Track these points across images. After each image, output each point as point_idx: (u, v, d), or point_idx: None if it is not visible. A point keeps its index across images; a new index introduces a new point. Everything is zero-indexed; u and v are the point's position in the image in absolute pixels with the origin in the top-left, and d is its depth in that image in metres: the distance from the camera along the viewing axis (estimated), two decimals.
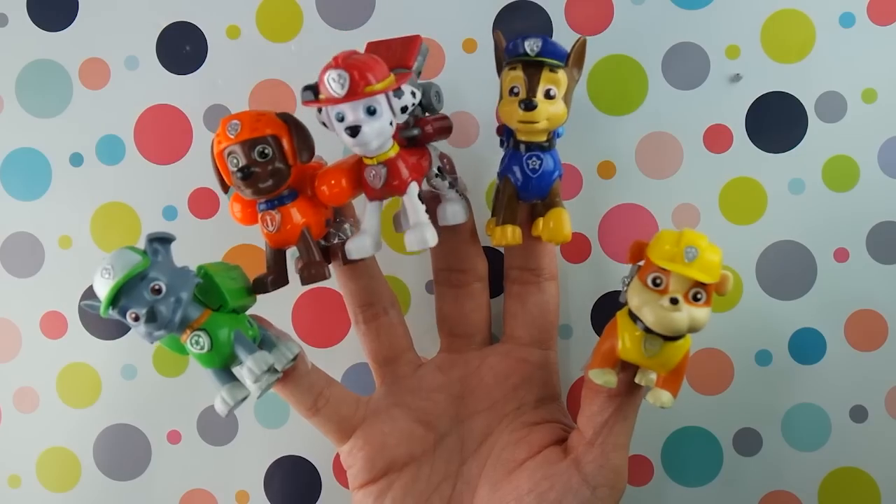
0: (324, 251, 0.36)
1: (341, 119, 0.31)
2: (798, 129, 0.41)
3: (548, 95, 0.33)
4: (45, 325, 0.43)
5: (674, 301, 0.29)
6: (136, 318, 0.30)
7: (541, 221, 0.35)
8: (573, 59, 0.33)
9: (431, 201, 0.36)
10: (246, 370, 0.31)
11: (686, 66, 0.41)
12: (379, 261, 0.42)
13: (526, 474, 0.34)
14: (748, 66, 0.41)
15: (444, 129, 0.36)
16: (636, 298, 0.30)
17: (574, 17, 0.41)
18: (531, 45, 0.32)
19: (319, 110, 0.32)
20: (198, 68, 0.42)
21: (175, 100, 0.43)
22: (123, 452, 0.43)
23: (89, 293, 0.42)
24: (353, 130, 0.31)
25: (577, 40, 0.33)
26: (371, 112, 0.31)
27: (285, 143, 0.32)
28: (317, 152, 0.35)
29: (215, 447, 0.43)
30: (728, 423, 0.41)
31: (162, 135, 0.43)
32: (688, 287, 0.29)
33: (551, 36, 0.41)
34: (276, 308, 0.42)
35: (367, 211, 0.34)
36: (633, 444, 0.41)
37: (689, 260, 0.29)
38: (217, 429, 0.43)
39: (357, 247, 0.34)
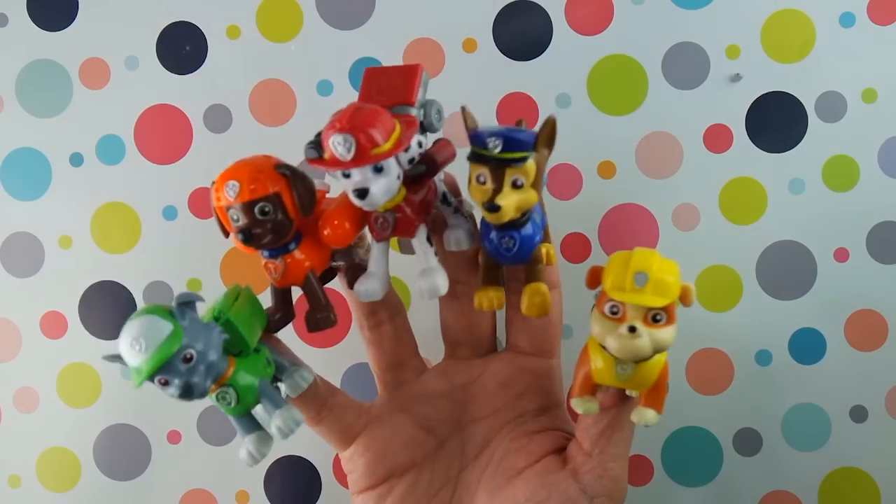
0: (331, 270, 0.35)
1: (347, 176, 0.30)
2: (798, 128, 0.41)
3: (515, 185, 0.31)
4: (45, 325, 0.43)
5: (632, 329, 0.29)
6: (166, 383, 0.29)
7: (523, 300, 0.33)
8: (542, 141, 0.31)
9: (438, 223, 0.35)
10: (275, 428, 0.31)
11: (686, 66, 0.41)
12: None
13: (524, 483, 0.34)
14: (748, 66, 0.41)
15: (449, 156, 0.34)
16: (597, 327, 0.30)
17: (574, 17, 0.41)
18: (493, 144, 0.30)
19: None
20: (198, 68, 0.42)
21: (175, 100, 0.43)
22: (123, 452, 0.43)
23: (95, 290, 0.42)
24: (361, 193, 0.30)
25: (547, 120, 0.31)
26: (378, 170, 0.30)
27: (285, 198, 0.31)
28: (317, 180, 0.34)
29: (215, 447, 0.43)
30: (728, 423, 0.41)
31: (162, 135, 0.43)
32: (644, 312, 0.29)
33: (551, 37, 0.41)
34: None
35: (373, 253, 0.33)
36: (633, 445, 0.41)
37: (640, 286, 0.28)
38: (217, 429, 0.43)
39: (366, 290, 0.33)
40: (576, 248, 0.41)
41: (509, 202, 0.30)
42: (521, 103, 0.41)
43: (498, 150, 0.30)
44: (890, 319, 0.40)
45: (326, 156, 0.30)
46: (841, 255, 0.40)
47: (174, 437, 0.43)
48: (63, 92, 0.43)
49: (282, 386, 0.33)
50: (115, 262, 0.43)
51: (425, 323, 0.39)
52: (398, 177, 0.31)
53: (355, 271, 0.34)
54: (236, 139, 0.42)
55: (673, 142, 0.41)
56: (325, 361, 0.39)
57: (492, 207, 0.30)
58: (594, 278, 0.30)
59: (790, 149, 0.41)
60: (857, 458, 0.41)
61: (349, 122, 0.29)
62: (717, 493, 0.41)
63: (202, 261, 0.42)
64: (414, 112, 0.33)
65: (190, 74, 0.42)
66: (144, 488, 0.43)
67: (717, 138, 0.41)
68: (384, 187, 0.30)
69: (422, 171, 0.32)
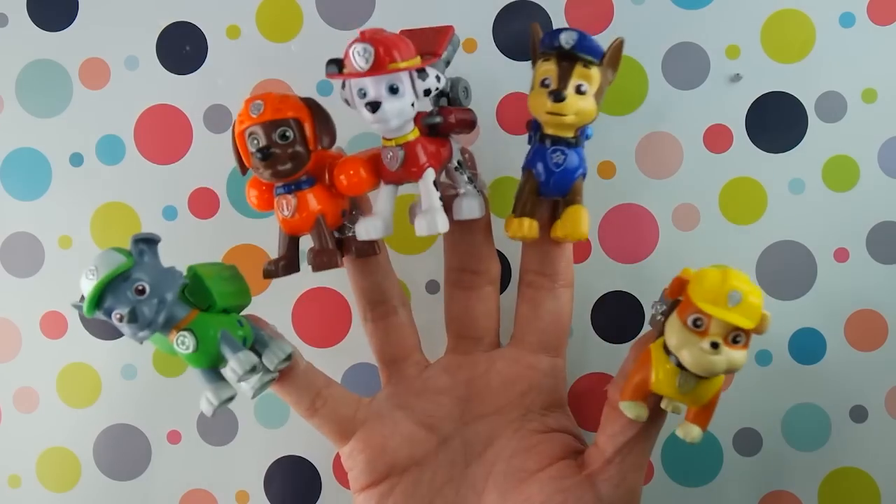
0: (337, 243, 0.36)
1: (363, 95, 0.31)
2: (798, 128, 0.41)
3: (579, 91, 0.32)
4: (46, 325, 0.43)
5: (714, 345, 0.29)
6: (121, 319, 0.30)
7: (558, 225, 0.34)
8: (608, 59, 0.33)
9: (449, 196, 0.35)
10: (229, 369, 0.31)
11: (686, 66, 0.41)
12: None
13: (538, 486, 0.34)
14: (748, 66, 0.41)
15: (467, 122, 0.35)
16: (674, 338, 0.30)
17: (574, 17, 0.41)
18: (567, 38, 0.32)
19: (343, 86, 0.32)
20: (198, 68, 0.42)
21: (175, 100, 0.43)
22: (123, 452, 0.43)
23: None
24: (374, 106, 0.31)
25: (614, 41, 0.33)
26: (393, 90, 0.31)
27: (307, 128, 0.32)
28: (337, 142, 0.35)
29: (215, 447, 0.43)
30: (728, 423, 0.41)
31: (162, 135, 0.43)
32: (728, 330, 0.29)
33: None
34: (276, 307, 0.42)
35: (380, 193, 0.34)
36: None
37: (733, 304, 0.29)
38: (217, 429, 0.43)
39: (367, 228, 0.33)
40: (576, 248, 0.41)
41: (573, 99, 0.32)
42: (521, 103, 0.41)
43: (571, 43, 0.32)
44: (890, 319, 0.40)
45: (346, 69, 0.31)
46: (841, 255, 0.40)
47: (174, 437, 0.43)
48: (63, 92, 0.43)
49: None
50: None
51: (425, 323, 0.39)
52: (412, 105, 0.32)
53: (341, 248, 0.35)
54: None
55: (673, 142, 0.41)
56: (325, 361, 0.39)
57: (558, 96, 0.32)
58: (678, 287, 0.30)
59: (790, 149, 0.41)
60: (857, 459, 0.41)
61: (372, 34, 0.31)
62: (717, 493, 0.41)
63: (202, 261, 0.42)
64: (440, 67, 0.33)
65: (190, 74, 0.42)
66: (144, 488, 0.43)
67: (717, 138, 0.41)
68: (397, 108, 0.31)
69: (436, 122, 0.33)
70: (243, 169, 0.33)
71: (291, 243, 0.34)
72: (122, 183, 0.43)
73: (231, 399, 0.33)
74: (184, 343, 0.31)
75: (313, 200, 0.33)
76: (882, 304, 0.40)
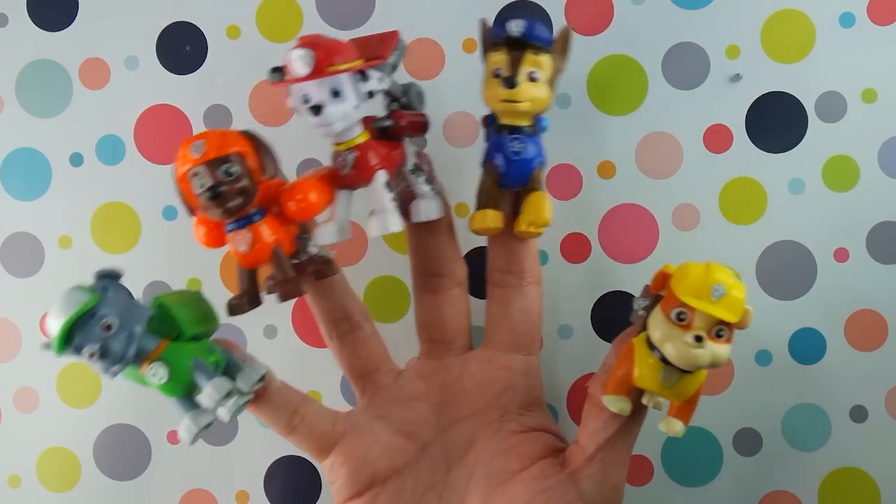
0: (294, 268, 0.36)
1: (306, 100, 0.31)
2: (798, 129, 0.41)
3: (531, 78, 0.32)
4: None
5: (698, 339, 0.29)
6: (92, 356, 0.30)
7: (521, 219, 0.34)
8: (558, 46, 0.33)
9: (406, 200, 0.35)
10: (205, 395, 0.31)
11: (686, 66, 0.41)
12: (379, 260, 0.42)
13: (521, 487, 0.34)
14: (748, 66, 0.41)
15: (418, 125, 0.35)
16: (658, 331, 0.30)
17: (574, 17, 0.41)
18: (515, 26, 0.32)
19: (290, 94, 0.32)
20: (198, 68, 0.42)
21: (175, 100, 0.43)
22: (123, 452, 0.43)
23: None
24: (316, 109, 0.31)
25: (562, 28, 0.33)
26: (335, 94, 0.31)
27: (249, 161, 0.32)
28: (283, 168, 0.35)
29: (215, 447, 0.43)
30: (728, 423, 0.41)
31: (162, 135, 0.43)
32: (712, 324, 0.29)
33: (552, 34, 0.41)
34: (276, 309, 0.42)
35: (335, 199, 0.34)
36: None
37: (716, 298, 0.29)
38: (217, 429, 0.43)
39: (322, 234, 0.33)
40: (576, 248, 0.41)
41: (526, 87, 0.32)
42: None
43: (520, 31, 0.32)
44: (890, 319, 0.40)
45: (287, 76, 0.31)
46: (841, 255, 0.40)
47: (174, 438, 0.43)
48: (63, 92, 0.43)
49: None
50: (114, 262, 0.43)
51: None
52: (355, 107, 0.32)
53: (291, 284, 0.34)
54: None
55: (673, 142, 0.41)
56: (325, 362, 0.39)
57: (510, 82, 0.32)
58: (661, 282, 0.30)
59: (790, 149, 0.41)
60: (857, 459, 0.41)
61: (310, 39, 0.31)
62: (717, 493, 0.41)
63: (202, 261, 0.42)
64: (386, 71, 0.34)
65: (190, 74, 0.42)
66: (144, 488, 0.43)
67: (717, 138, 0.41)
68: (340, 111, 0.31)
69: (387, 126, 0.34)
70: (191, 211, 0.33)
71: (251, 276, 0.34)
72: (122, 183, 0.43)
73: (210, 425, 0.32)
74: (156, 374, 0.31)
75: (267, 231, 0.33)
76: (882, 304, 0.40)
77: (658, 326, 0.30)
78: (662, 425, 0.31)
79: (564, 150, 0.41)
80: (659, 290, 0.31)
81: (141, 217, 0.43)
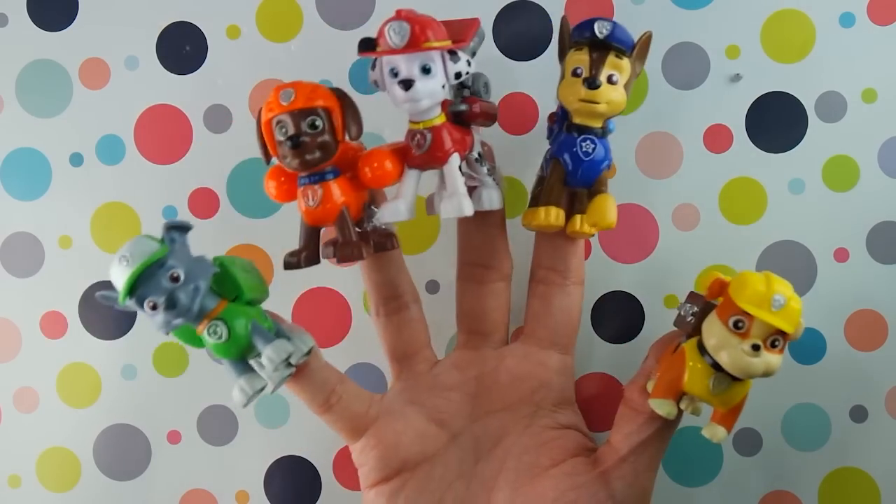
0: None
1: (395, 74, 0.31)
2: (798, 128, 0.41)
3: (610, 80, 0.32)
4: (45, 325, 0.43)
5: (755, 347, 0.29)
6: (154, 307, 0.29)
7: (578, 218, 0.34)
8: (638, 51, 0.33)
9: (468, 188, 0.35)
10: (265, 358, 0.31)
11: (686, 66, 0.41)
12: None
13: (552, 482, 0.34)
14: (748, 66, 0.41)
15: (490, 113, 0.35)
16: (714, 338, 0.30)
17: (574, 17, 0.41)
18: (600, 28, 0.32)
19: (373, 67, 0.32)
20: (198, 68, 0.42)
21: (175, 100, 0.43)
22: (123, 452, 0.43)
23: (95, 290, 0.42)
24: (407, 84, 0.31)
25: (644, 34, 0.33)
26: (426, 70, 0.31)
27: (335, 118, 0.32)
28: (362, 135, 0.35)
29: (215, 447, 0.43)
30: None
31: (162, 135, 0.43)
32: (769, 333, 0.29)
33: (551, 37, 0.41)
34: (276, 306, 0.42)
35: (404, 177, 0.33)
36: None
37: (777, 308, 0.29)
38: (217, 429, 0.43)
39: (391, 211, 0.33)
40: None
41: (605, 89, 0.32)
42: (521, 103, 0.41)
43: (605, 33, 0.32)
44: (890, 319, 0.40)
45: (379, 48, 0.31)
46: (841, 255, 0.40)
47: (174, 437, 0.43)
48: (63, 92, 0.43)
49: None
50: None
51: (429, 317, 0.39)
52: (443, 87, 0.32)
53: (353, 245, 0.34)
54: (236, 139, 0.42)
55: (673, 142, 0.41)
56: (328, 360, 0.39)
57: (593, 83, 0.32)
58: (719, 289, 0.30)
59: (790, 149, 0.41)
60: (857, 458, 0.41)
61: (407, 13, 0.31)
62: (717, 492, 0.41)
63: None
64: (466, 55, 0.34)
65: (190, 74, 0.42)
66: (144, 488, 0.43)
67: (717, 138, 0.41)
68: (429, 88, 0.31)
69: (462, 110, 0.34)
70: (267, 157, 0.33)
71: (313, 235, 0.34)
72: (122, 183, 0.43)
73: (262, 390, 0.32)
74: (216, 332, 0.31)
75: (338, 192, 0.33)
76: (882, 304, 0.40)
77: (714, 334, 0.30)
78: (706, 431, 0.32)
79: None
80: (716, 297, 0.31)
81: (141, 217, 0.43)
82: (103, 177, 0.43)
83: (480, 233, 0.36)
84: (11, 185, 0.43)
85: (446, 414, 0.36)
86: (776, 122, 0.40)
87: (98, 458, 0.43)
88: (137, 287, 0.29)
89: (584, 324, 0.41)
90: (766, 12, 0.40)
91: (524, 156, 0.40)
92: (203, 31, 0.42)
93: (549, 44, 0.41)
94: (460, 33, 0.33)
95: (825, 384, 0.41)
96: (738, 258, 0.41)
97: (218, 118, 0.42)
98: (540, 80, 0.41)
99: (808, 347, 0.41)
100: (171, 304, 0.29)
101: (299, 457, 0.42)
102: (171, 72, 0.43)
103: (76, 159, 0.43)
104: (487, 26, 0.41)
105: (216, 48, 0.42)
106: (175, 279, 0.29)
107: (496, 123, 0.37)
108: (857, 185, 0.40)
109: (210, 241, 0.42)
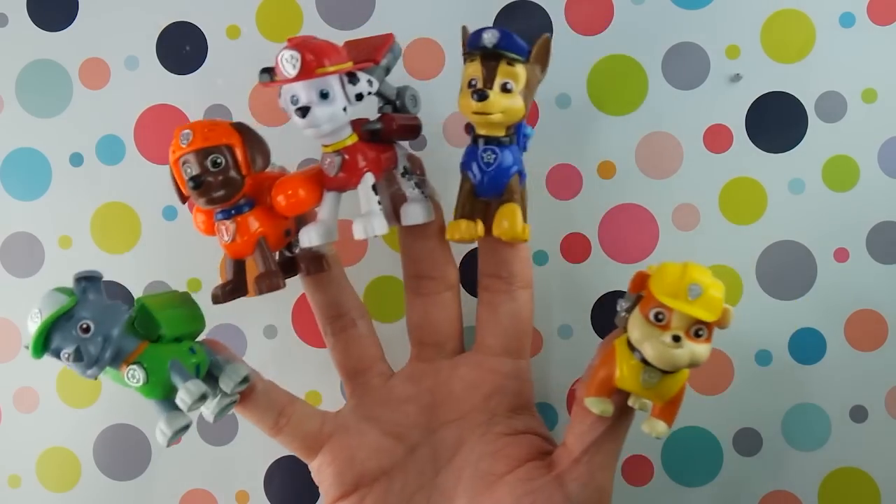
0: (288, 262, 0.36)
1: (296, 101, 0.31)
2: (798, 129, 0.41)
3: (504, 89, 0.32)
4: None
5: (676, 339, 0.29)
6: (69, 358, 0.30)
7: (493, 222, 0.33)
8: (535, 55, 0.33)
9: (398, 203, 0.35)
10: (179, 399, 0.31)
11: (686, 66, 0.41)
12: (379, 260, 0.42)
13: (507, 489, 0.33)
14: (748, 66, 0.41)
15: (410, 129, 0.35)
16: (637, 332, 0.30)
17: (574, 17, 0.41)
18: (489, 38, 0.32)
19: (280, 95, 0.32)
20: (198, 68, 0.42)
21: (175, 100, 0.43)
22: (123, 452, 0.43)
23: None
24: (304, 111, 0.31)
25: (540, 37, 0.33)
26: (324, 95, 0.31)
27: (238, 153, 0.32)
28: (280, 163, 0.35)
29: (215, 447, 0.43)
30: (728, 423, 0.41)
31: (162, 135, 0.43)
32: (690, 323, 0.29)
33: (552, 36, 0.41)
34: (276, 308, 0.42)
35: (323, 201, 0.34)
36: (633, 444, 0.41)
37: (693, 297, 0.29)
38: (217, 429, 0.43)
39: (308, 235, 0.33)
40: (576, 248, 0.41)
41: (497, 98, 0.32)
42: None
43: (494, 42, 0.32)
44: (890, 319, 0.40)
45: (276, 77, 0.31)
46: (841, 255, 0.40)
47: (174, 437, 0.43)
48: (63, 92, 0.43)
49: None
50: (115, 262, 0.43)
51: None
52: (344, 109, 0.32)
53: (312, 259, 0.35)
54: None
55: (673, 142, 0.41)
56: (325, 361, 0.39)
57: (481, 95, 0.32)
58: (640, 282, 0.30)
59: (790, 149, 0.41)
60: (857, 458, 0.41)
61: (299, 41, 0.31)
62: (718, 492, 0.41)
63: (202, 261, 0.42)
64: (379, 74, 0.34)
65: (190, 74, 0.42)
66: (144, 488, 0.43)
67: (716, 138, 0.41)
68: (328, 113, 0.31)
69: (377, 129, 0.34)
70: (183, 198, 0.33)
71: (237, 267, 0.34)
72: (122, 183, 0.43)
73: (186, 428, 0.33)
74: (133, 377, 0.31)
75: (254, 223, 0.33)
76: (882, 304, 0.40)
77: (637, 327, 0.30)
78: (645, 427, 0.31)
79: (564, 150, 0.41)
80: (638, 291, 0.31)
81: (141, 217, 0.43)
82: (103, 177, 0.43)
83: (418, 245, 0.36)
84: (11, 185, 0.43)
85: (402, 427, 0.36)
86: (776, 122, 0.41)
87: (98, 458, 0.43)
88: (52, 340, 0.30)
89: (583, 323, 0.41)
90: (765, 12, 0.40)
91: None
92: (203, 31, 0.42)
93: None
94: (372, 52, 0.34)
95: (825, 384, 0.41)
96: (737, 258, 0.41)
97: (218, 118, 0.42)
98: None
99: (808, 347, 0.41)
100: (79, 357, 0.30)
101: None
102: (172, 72, 0.43)
103: (76, 159, 0.43)
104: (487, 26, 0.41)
105: (216, 48, 0.42)
106: (85, 330, 0.30)
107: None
108: (856, 185, 0.40)
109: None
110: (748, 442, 0.41)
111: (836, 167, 0.40)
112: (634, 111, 0.41)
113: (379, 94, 0.34)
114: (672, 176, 0.41)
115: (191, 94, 0.42)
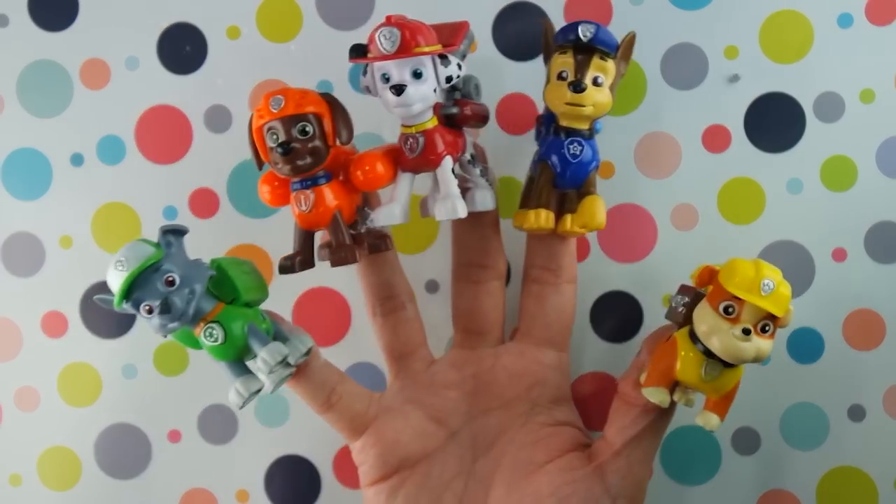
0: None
1: (387, 79, 0.32)
2: (796, 129, 0.41)
3: (595, 83, 0.33)
4: (46, 324, 0.43)
5: (746, 332, 0.29)
6: (150, 311, 0.30)
7: (568, 218, 0.34)
8: (622, 52, 0.34)
9: (462, 189, 0.35)
10: (260, 361, 0.31)
11: (685, 66, 0.41)
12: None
13: (547, 478, 0.34)
14: (747, 67, 0.41)
15: (481, 115, 0.36)
16: (705, 324, 0.30)
17: (574, 17, 0.41)
18: (584, 31, 0.32)
19: (364, 73, 0.32)
20: (198, 68, 0.42)
21: (175, 100, 0.43)
22: (124, 451, 0.43)
23: (95, 290, 0.43)
24: (398, 89, 0.31)
25: (627, 34, 0.34)
26: (417, 75, 0.31)
27: (326, 123, 0.32)
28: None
29: (215, 446, 0.43)
30: (727, 422, 0.40)
31: (162, 135, 0.43)
32: (759, 318, 0.30)
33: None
34: (276, 307, 0.42)
35: (398, 181, 0.34)
36: None
37: (766, 293, 0.30)
38: (217, 428, 0.43)
39: (385, 214, 0.33)
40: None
41: (591, 91, 0.33)
42: (521, 103, 0.41)
43: (589, 36, 0.32)
44: (888, 319, 0.40)
45: (370, 54, 0.31)
46: (839, 254, 0.41)
47: (174, 437, 0.43)
48: (63, 92, 0.43)
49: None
50: None
51: (425, 321, 0.39)
52: (434, 91, 0.32)
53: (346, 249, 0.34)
54: (236, 139, 0.42)
55: (672, 142, 0.41)
56: (325, 358, 0.39)
57: (578, 86, 0.32)
58: (708, 276, 0.31)
59: (788, 149, 0.41)
60: (855, 457, 0.41)
61: (397, 19, 0.31)
62: (716, 491, 0.41)
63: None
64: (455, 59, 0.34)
65: (190, 75, 0.43)
66: (145, 487, 0.43)
67: (715, 138, 0.41)
68: (421, 92, 0.32)
69: (453, 113, 0.34)
70: (259, 164, 0.33)
71: (307, 239, 0.34)
72: (122, 183, 0.43)
73: (259, 391, 0.32)
74: (212, 335, 0.31)
75: (330, 196, 0.33)
76: (880, 304, 0.40)
77: (704, 320, 0.30)
78: (700, 419, 0.32)
79: None
80: (705, 285, 0.31)
81: (141, 217, 0.43)
82: (104, 177, 0.43)
83: (474, 233, 0.37)
84: (12, 185, 0.43)
85: (444, 412, 0.36)
86: (774, 122, 0.41)
87: (99, 457, 0.43)
88: (133, 291, 0.30)
89: (582, 323, 0.41)
90: (764, 13, 0.41)
91: (523, 156, 0.40)
92: (203, 31, 0.42)
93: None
94: (450, 37, 0.34)
95: (823, 383, 0.41)
96: (737, 258, 0.41)
97: (218, 118, 0.42)
98: (539, 80, 0.41)
99: (806, 347, 0.41)
100: (167, 308, 0.30)
101: (299, 456, 0.43)
102: (172, 72, 0.43)
103: (77, 159, 0.43)
104: (487, 26, 0.41)
105: (216, 48, 0.42)
106: (170, 283, 0.30)
107: (495, 123, 0.37)
108: (855, 185, 0.40)
109: (210, 241, 0.42)
110: (746, 441, 0.41)
111: (835, 167, 0.40)
112: (633, 111, 0.41)
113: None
114: (671, 176, 0.41)
115: (191, 95, 0.42)
